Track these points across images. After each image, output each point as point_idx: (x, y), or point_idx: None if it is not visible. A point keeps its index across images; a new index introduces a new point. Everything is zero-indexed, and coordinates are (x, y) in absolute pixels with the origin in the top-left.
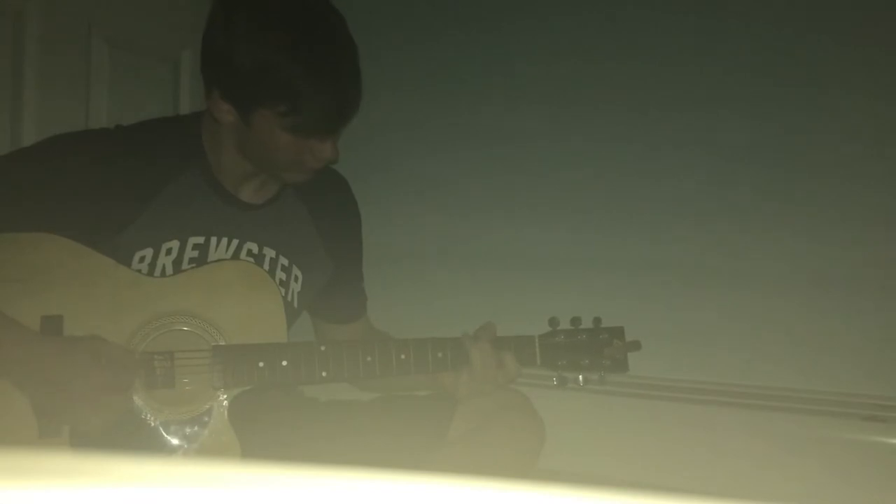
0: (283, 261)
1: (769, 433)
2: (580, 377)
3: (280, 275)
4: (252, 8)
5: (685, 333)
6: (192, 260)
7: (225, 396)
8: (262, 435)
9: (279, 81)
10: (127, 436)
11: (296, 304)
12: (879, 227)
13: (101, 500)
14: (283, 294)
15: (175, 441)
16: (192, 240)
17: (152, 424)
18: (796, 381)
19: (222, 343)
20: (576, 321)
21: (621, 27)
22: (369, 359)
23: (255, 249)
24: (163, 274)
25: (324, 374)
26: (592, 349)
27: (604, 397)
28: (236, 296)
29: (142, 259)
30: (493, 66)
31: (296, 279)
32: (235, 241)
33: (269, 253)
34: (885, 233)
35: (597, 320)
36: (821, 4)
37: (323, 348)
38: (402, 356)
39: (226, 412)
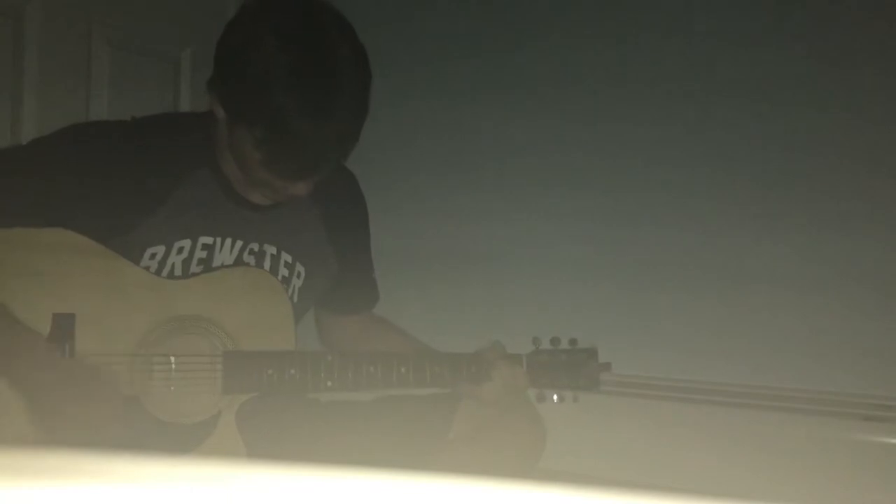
0: (286, 257)
1: (769, 433)
2: (555, 395)
3: (283, 271)
4: (280, 27)
5: (685, 334)
6: (200, 261)
7: (233, 402)
8: (266, 437)
9: (267, 106)
10: (133, 438)
11: (296, 300)
12: (879, 228)
13: (101, 499)
14: (285, 290)
15: (181, 445)
16: (202, 240)
17: (160, 428)
18: (796, 381)
19: (232, 348)
20: (555, 341)
21: (623, 26)
22: (372, 370)
23: (256, 248)
24: (171, 273)
25: (329, 383)
26: (571, 369)
27: (604, 397)
28: (248, 302)
29: (152, 256)
30: (493, 71)
31: (298, 276)
32: (240, 243)
33: (270, 250)
34: (884, 233)
35: (573, 341)
36: (825, 4)
37: (329, 358)
38: (402, 369)
39: (233, 418)
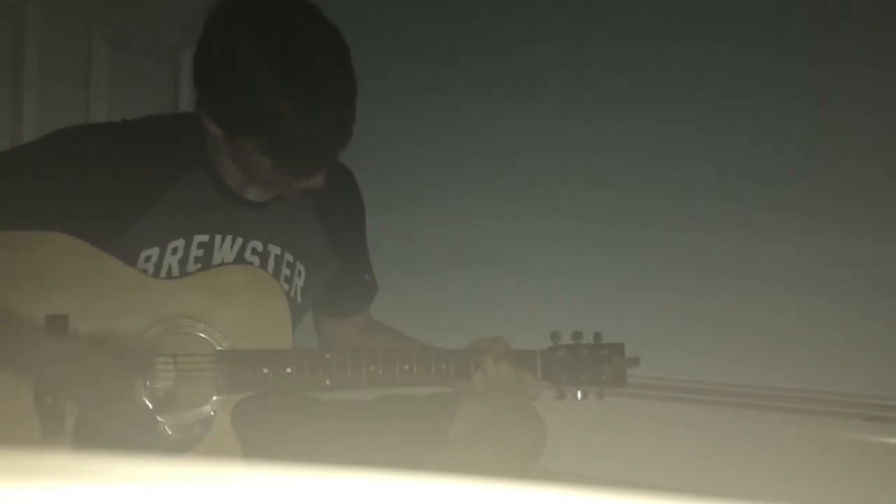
0: (288, 257)
1: (770, 433)
2: (578, 392)
3: (285, 271)
4: (249, 35)
5: (685, 334)
6: (197, 259)
7: (228, 401)
8: (264, 437)
9: (264, 116)
10: (130, 438)
11: (299, 300)
12: (878, 228)
13: (101, 500)
14: (288, 290)
15: (177, 444)
16: (197, 238)
17: (155, 427)
18: (797, 381)
19: (227, 347)
20: (577, 336)
21: (624, 26)
22: (373, 368)
23: (260, 247)
24: (168, 274)
25: (328, 381)
26: (592, 365)
27: (604, 398)
28: (243, 301)
29: (147, 258)
30: (494, 71)
31: (299, 275)
32: (240, 240)
33: (274, 250)
34: (884, 233)
35: (597, 336)
36: (825, 4)
37: (328, 356)
38: (406, 367)
39: (229, 417)
